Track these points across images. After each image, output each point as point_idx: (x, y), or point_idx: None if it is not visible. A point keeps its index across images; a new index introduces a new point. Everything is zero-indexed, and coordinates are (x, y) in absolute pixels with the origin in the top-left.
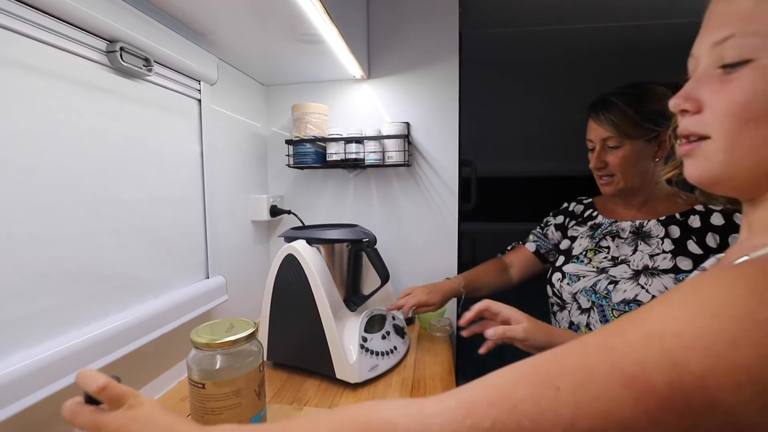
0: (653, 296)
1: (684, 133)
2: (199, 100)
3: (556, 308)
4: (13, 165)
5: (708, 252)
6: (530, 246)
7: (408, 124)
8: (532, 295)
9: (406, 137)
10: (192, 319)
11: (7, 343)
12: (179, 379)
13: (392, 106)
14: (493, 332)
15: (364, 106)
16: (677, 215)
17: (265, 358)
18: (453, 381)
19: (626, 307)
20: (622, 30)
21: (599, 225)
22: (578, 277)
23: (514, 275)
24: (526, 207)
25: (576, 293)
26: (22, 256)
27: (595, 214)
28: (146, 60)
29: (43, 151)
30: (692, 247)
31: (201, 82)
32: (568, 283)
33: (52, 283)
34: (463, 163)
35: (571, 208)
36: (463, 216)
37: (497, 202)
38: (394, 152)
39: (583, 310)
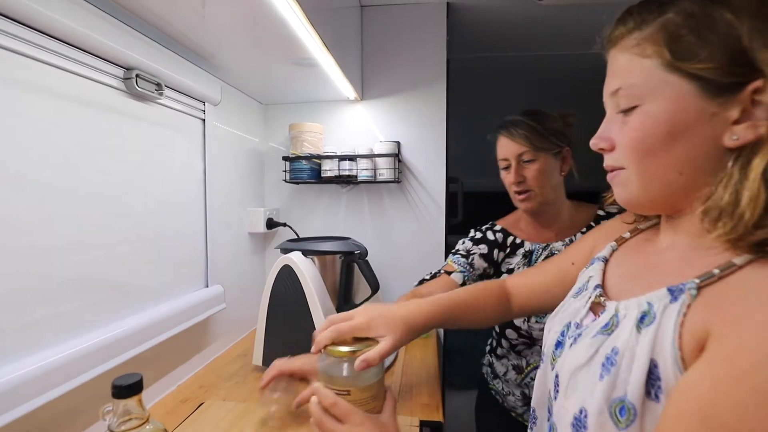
0: None
1: (607, 168)
2: (203, 120)
3: (521, 347)
4: (37, 180)
5: None
6: (457, 277)
7: (398, 143)
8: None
9: (396, 156)
10: (192, 325)
11: (29, 343)
12: (178, 383)
13: (384, 126)
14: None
15: (357, 126)
16: (592, 223)
17: None
18: (439, 388)
19: None
20: (600, 57)
21: (531, 251)
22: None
23: None
24: None
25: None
26: (43, 263)
27: (518, 241)
28: (158, 85)
29: (63, 168)
30: None
31: (205, 103)
32: (536, 321)
33: (69, 289)
34: (450, 180)
35: (491, 237)
36: (450, 230)
37: (482, 217)
38: (385, 170)
39: None
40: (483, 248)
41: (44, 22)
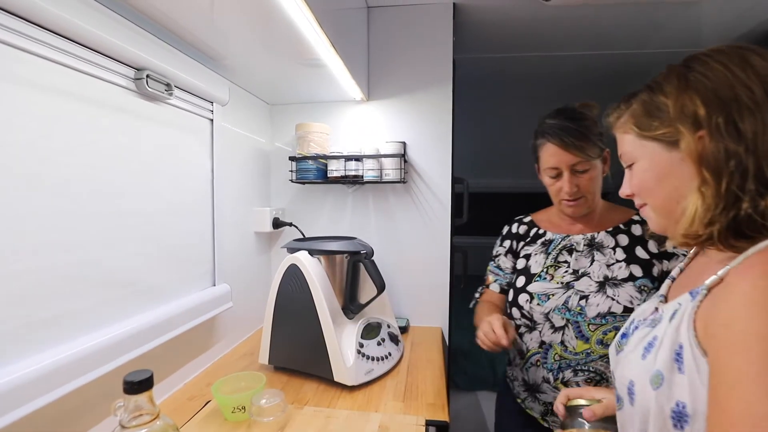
0: (624, 307)
1: (637, 207)
2: (212, 120)
3: (524, 329)
4: (49, 179)
5: (652, 257)
6: (495, 287)
7: (404, 143)
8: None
9: (402, 156)
10: (199, 324)
11: (42, 339)
12: (186, 381)
13: (390, 126)
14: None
15: (363, 126)
16: (621, 225)
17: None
18: (444, 388)
19: (602, 320)
20: (605, 57)
21: (551, 241)
22: (547, 296)
23: None
24: None
25: (548, 312)
26: (55, 261)
27: (541, 231)
28: (168, 85)
29: (75, 167)
30: (640, 252)
31: (214, 104)
32: (538, 304)
33: (80, 287)
34: (455, 180)
35: (514, 230)
36: (455, 230)
37: (488, 217)
38: (390, 170)
39: (556, 329)
40: (507, 244)
41: (57, 22)
